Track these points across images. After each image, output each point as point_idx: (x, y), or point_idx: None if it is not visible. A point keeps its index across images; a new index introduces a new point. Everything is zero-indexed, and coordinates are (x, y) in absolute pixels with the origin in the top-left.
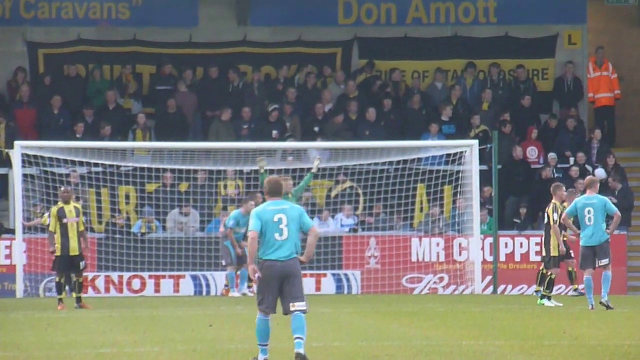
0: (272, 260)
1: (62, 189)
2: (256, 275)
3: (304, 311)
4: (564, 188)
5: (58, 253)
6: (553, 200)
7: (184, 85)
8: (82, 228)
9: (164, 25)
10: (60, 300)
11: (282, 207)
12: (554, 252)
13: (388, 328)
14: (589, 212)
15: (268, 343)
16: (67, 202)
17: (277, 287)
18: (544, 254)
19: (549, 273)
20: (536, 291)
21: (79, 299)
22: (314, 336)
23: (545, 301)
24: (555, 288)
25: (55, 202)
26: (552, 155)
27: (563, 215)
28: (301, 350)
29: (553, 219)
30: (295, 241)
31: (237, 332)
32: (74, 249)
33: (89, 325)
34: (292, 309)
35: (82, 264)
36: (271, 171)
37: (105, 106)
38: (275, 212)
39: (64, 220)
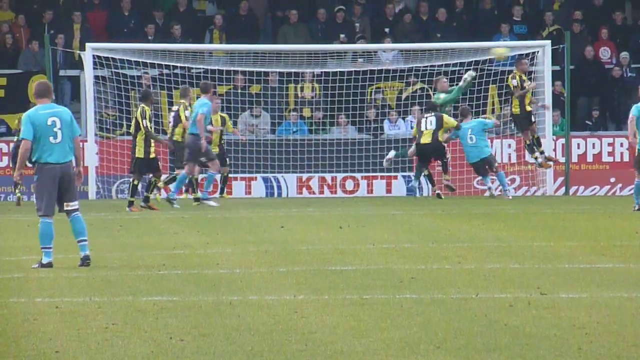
0: (52, 163)
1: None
2: (20, 180)
3: (77, 210)
4: None
5: (140, 156)
6: None
7: None
8: (142, 131)
9: None
10: (131, 202)
11: (55, 110)
12: None
13: (459, 230)
14: None
15: (52, 246)
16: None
17: (57, 189)
18: None
19: None
20: None
21: (147, 199)
22: (385, 238)
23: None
24: None
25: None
26: (624, 54)
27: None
28: (87, 252)
29: None
30: (69, 144)
31: (308, 234)
32: (153, 152)
33: (161, 227)
34: (67, 208)
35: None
36: (341, 73)
37: (175, 8)
38: (48, 116)
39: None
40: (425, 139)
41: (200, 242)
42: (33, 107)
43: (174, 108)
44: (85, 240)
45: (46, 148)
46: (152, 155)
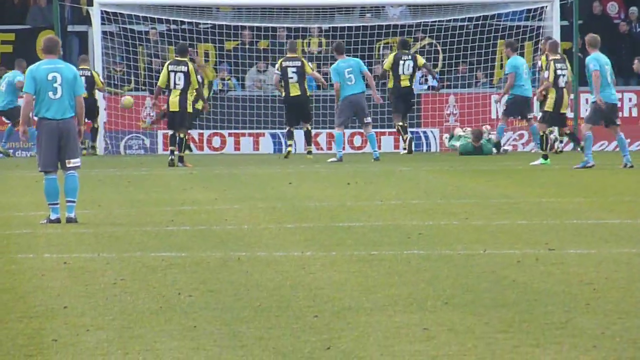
0: (49, 119)
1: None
2: (25, 135)
3: (78, 167)
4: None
5: (191, 110)
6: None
7: None
8: (195, 85)
9: None
10: (172, 152)
11: (57, 66)
12: None
13: (466, 186)
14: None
15: (58, 202)
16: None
17: (57, 144)
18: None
19: None
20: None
21: (180, 158)
22: (393, 194)
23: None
24: None
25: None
26: (632, 9)
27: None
28: (72, 215)
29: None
30: (69, 101)
31: (316, 190)
32: (174, 104)
33: (169, 183)
34: (68, 165)
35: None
36: (349, 28)
37: None
38: (49, 71)
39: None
40: (405, 82)
41: (208, 199)
42: (37, 62)
43: (181, 68)
44: (73, 202)
45: (45, 103)
46: (174, 109)
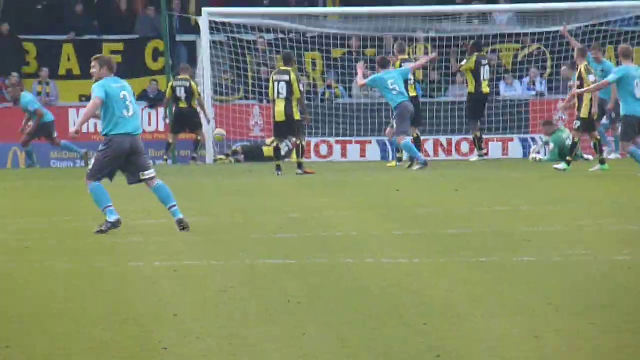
0: (123, 135)
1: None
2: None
3: (153, 177)
4: None
5: (298, 118)
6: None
7: None
8: (297, 95)
9: None
10: (277, 166)
11: (123, 84)
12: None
13: (573, 191)
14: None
15: (111, 204)
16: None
17: (124, 160)
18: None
19: None
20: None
21: (299, 165)
22: (500, 200)
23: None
24: None
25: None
26: None
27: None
28: (181, 216)
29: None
30: (139, 116)
31: (422, 196)
32: (280, 114)
33: (278, 191)
34: (142, 177)
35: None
36: (455, 38)
37: None
38: (120, 90)
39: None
40: (486, 89)
41: (316, 205)
42: (101, 80)
43: (283, 77)
44: (174, 206)
45: (120, 120)
46: (279, 119)
